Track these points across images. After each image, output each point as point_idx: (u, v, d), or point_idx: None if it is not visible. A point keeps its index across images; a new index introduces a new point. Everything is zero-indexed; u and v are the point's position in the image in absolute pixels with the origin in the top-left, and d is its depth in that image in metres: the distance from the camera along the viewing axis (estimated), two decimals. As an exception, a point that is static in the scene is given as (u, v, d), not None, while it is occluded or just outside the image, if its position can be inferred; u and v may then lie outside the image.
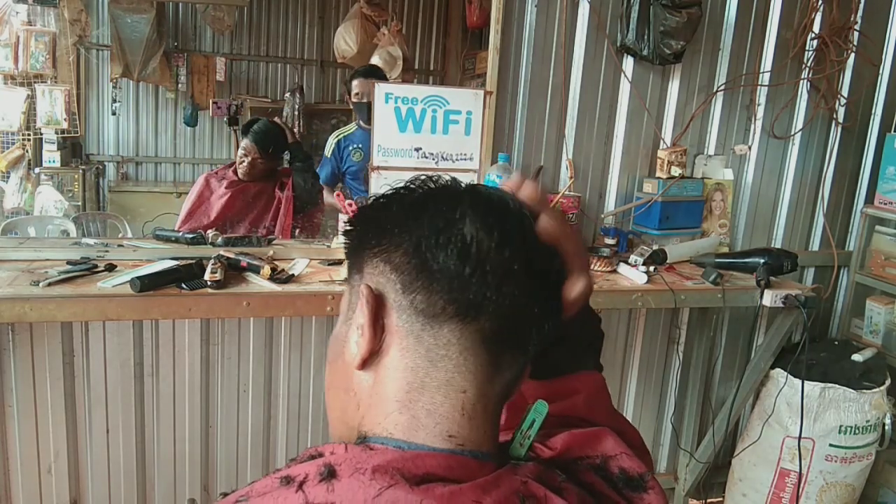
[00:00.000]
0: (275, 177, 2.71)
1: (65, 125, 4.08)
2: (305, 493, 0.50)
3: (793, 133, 2.57)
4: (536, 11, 2.19)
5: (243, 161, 2.63)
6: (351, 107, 3.27)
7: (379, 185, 2.09)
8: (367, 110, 2.72)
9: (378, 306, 0.56)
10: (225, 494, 0.60)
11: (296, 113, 5.35)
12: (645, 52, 2.25)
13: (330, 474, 0.50)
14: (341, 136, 3.02)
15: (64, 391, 1.72)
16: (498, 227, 0.55)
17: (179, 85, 5.35)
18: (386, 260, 0.56)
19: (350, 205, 1.98)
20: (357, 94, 2.92)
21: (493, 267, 0.53)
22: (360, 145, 2.94)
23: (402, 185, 0.60)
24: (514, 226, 0.56)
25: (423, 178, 0.60)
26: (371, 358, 0.56)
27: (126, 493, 1.83)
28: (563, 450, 0.60)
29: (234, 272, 1.70)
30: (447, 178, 0.60)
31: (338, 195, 2.19)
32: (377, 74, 3.01)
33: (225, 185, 2.63)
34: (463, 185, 0.60)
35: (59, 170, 4.30)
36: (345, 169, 2.99)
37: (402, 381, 0.55)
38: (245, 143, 2.64)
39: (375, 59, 4.38)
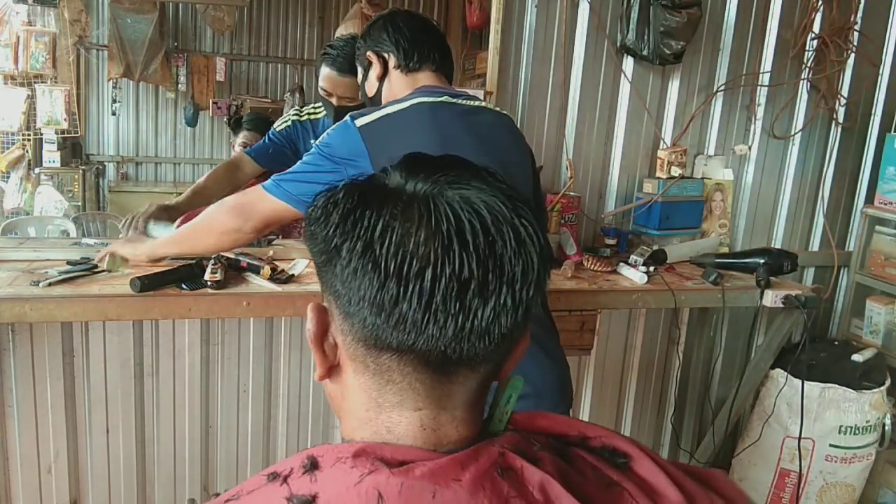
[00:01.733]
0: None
1: (65, 125, 4.08)
2: (290, 485, 0.51)
3: (793, 133, 2.57)
4: (536, 11, 2.19)
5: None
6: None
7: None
8: (341, 114, 1.71)
9: (324, 327, 0.56)
10: (217, 495, 0.61)
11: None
12: (645, 52, 2.25)
13: (313, 465, 0.51)
14: (302, 117, 2.22)
15: (64, 391, 1.72)
16: (433, 250, 0.48)
17: (179, 85, 5.35)
18: (329, 283, 0.53)
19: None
20: (332, 92, 2.00)
21: (417, 298, 0.48)
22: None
23: (342, 186, 0.54)
24: (463, 240, 0.49)
25: (367, 178, 0.55)
26: (332, 370, 0.57)
27: (126, 493, 1.83)
28: (541, 429, 0.60)
29: (234, 272, 1.71)
30: (398, 178, 0.53)
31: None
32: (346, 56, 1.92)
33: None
34: (418, 186, 0.52)
35: (59, 170, 4.30)
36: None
37: (360, 400, 0.55)
38: (243, 135, 2.64)
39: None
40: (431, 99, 1.39)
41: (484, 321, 0.50)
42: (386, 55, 1.48)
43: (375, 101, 1.51)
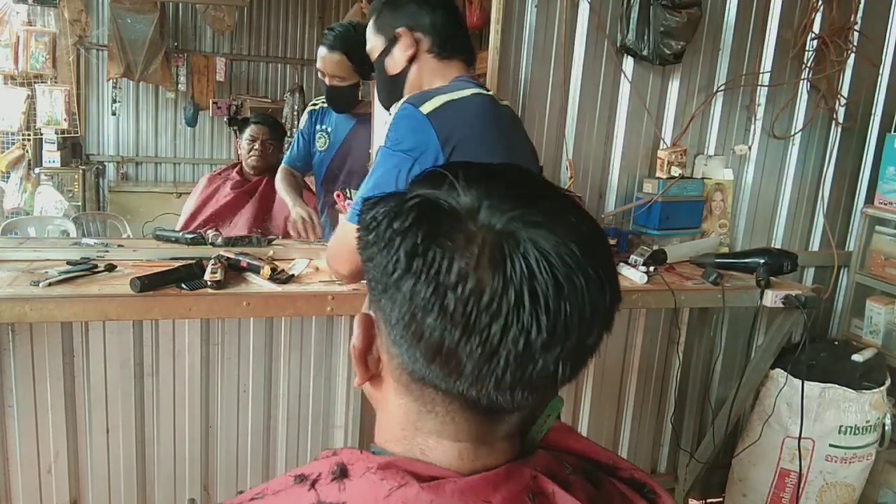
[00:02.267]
0: (275, 175, 2.71)
1: (65, 125, 4.09)
2: (318, 491, 0.50)
3: (793, 133, 2.57)
4: (536, 11, 2.19)
5: (253, 148, 2.63)
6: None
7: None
8: (343, 100, 2.22)
9: (370, 341, 0.54)
10: (240, 492, 0.60)
11: (295, 113, 5.35)
12: (645, 53, 2.25)
13: (342, 473, 0.50)
14: (315, 107, 2.42)
15: (64, 391, 1.72)
16: (506, 303, 0.45)
17: (179, 85, 5.36)
18: (381, 307, 0.50)
19: (350, 205, 1.97)
20: (325, 73, 2.16)
21: (482, 349, 0.46)
22: (327, 128, 2.36)
23: (405, 210, 0.49)
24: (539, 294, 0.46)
25: (429, 196, 0.50)
26: (373, 379, 0.55)
27: (126, 493, 1.83)
28: (573, 450, 0.59)
29: (234, 272, 1.71)
30: (468, 201, 0.48)
31: (338, 195, 2.19)
32: (353, 43, 2.04)
33: (228, 185, 2.63)
34: (492, 221, 0.47)
35: (59, 170, 4.31)
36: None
37: (396, 418, 0.53)
38: (250, 129, 2.64)
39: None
40: (487, 93, 1.33)
41: (542, 376, 0.47)
42: (420, 36, 1.37)
43: (396, 82, 1.40)
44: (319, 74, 2.20)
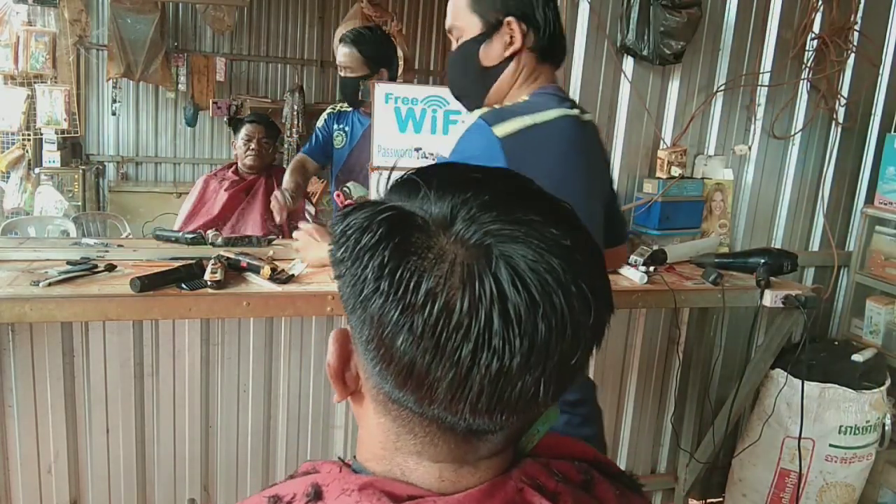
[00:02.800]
0: (273, 175, 2.71)
1: (65, 125, 4.08)
2: None
3: (793, 133, 2.57)
4: (536, 11, 2.19)
5: (249, 147, 2.63)
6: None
7: (378, 186, 2.08)
8: (351, 89, 2.43)
9: (346, 357, 0.52)
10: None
11: (295, 113, 5.35)
12: (645, 53, 2.25)
13: (317, 495, 0.49)
14: (335, 110, 2.62)
15: (64, 391, 1.72)
16: (476, 324, 0.43)
17: (179, 85, 5.36)
18: (354, 324, 0.48)
19: (350, 205, 1.97)
20: (340, 65, 2.44)
21: (451, 377, 0.44)
22: (345, 127, 2.54)
23: (374, 224, 0.46)
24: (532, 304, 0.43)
25: (398, 208, 0.47)
26: (353, 395, 0.54)
27: (126, 493, 1.83)
28: (561, 452, 0.58)
29: (234, 272, 1.70)
30: (439, 211, 0.46)
31: (337, 194, 2.19)
32: (366, 41, 2.42)
33: (225, 185, 2.63)
34: (465, 235, 0.45)
35: (59, 170, 4.30)
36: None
37: (376, 437, 0.52)
38: (246, 129, 2.65)
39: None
40: (573, 113, 1.21)
41: (522, 398, 0.45)
42: (527, 29, 1.20)
43: (485, 76, 1.22)
44: (340, 71, 2.48)
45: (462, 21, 1.22)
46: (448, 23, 1.24)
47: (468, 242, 0.45)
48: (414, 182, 0.49)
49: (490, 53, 1.21)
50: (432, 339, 0.43)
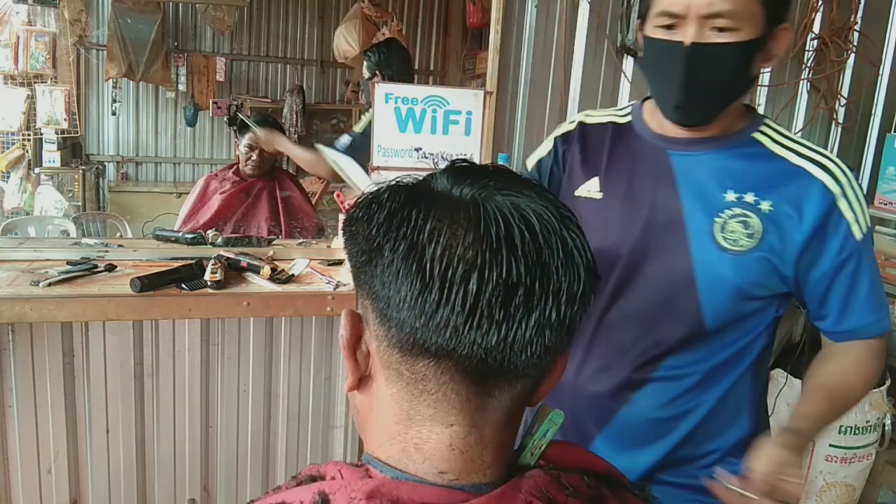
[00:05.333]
0: (274, 176, 2.71)
1: (65, 125, 4.09)
2: None
3: (793, 133, 2.57)
4: (536, 11, 2.19)
5: (250, 157, 2.63)
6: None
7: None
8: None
9: (358, 334, 0.54)
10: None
11: (295, 113, 5.35)
12: (645, 53, 2.25)
13: (324, 503, 0.49)
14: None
15: (64, 391, 1.72)
16: (480, 253, 0.47)
17: (179, 85, 5.36)
18: (367, 285, 0.51)
19: (350, 205, 1.98)
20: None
21: (461, 302, 0.47)
22: None
23: (386, 188, 0.53)
24: (510, 249, 0.48)
25: (410, 180, 0.54)
26: (362, 381, 0.55)
27: (126, 493, 1.83)
28: (572, 464, 0.57)
29: (234, 272, 1.71)
30: (445, 182, 0.52)
31: (337, 194, 2.19)
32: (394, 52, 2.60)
33: (226, 186, 2.63)
34: (465, 191, 0.51)
35: (59, 170, 4.31)
36: None
37: (390, 412, 0.53)
38: (249, 136, 2.64)
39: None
40: None
41: (528, 331, 0.48)
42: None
43: (745, 85, 1.02)
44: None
45: (743, 9, 0.93)
46: (718, 7, 0.92)
47: (470, 193, 0.50)
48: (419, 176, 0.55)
49: (761, 62, 1.00)
50: (441, 270, 0.47)
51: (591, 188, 1.11)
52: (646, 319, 1.05)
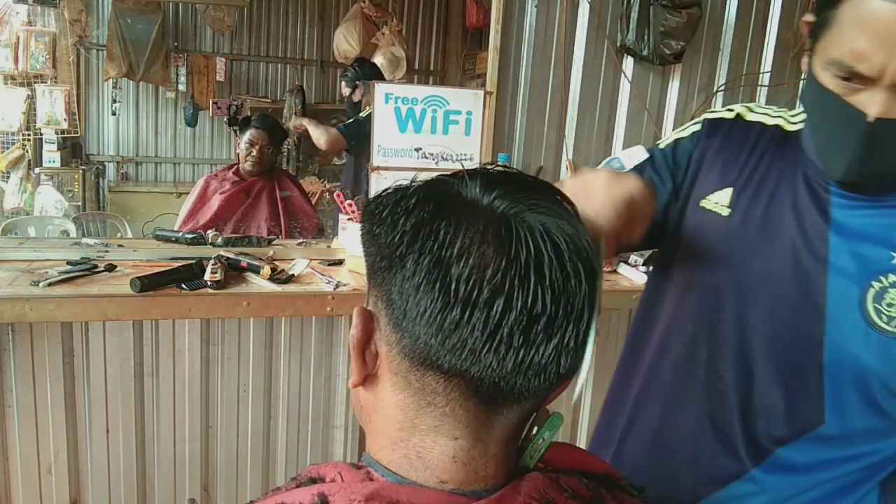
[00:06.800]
0: (274, 176, 2.71)
1: (65, 125, 4.09)
2: None
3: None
4: (536, 11, 2.19)
5: (250, 153, 2.63)
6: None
7: (378, 186, 2.08)
8: None
9: (369, 334, 0.53)
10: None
11: (295, 113, 5.35)
12: (645, 53, 2.25)
13: None
14: None
15: (64, 391, 1.72)
16: (509, 279, 0.46)
17: (179, 85, 5.36)
18: (384, 290, 0.50)
19: (350, 205, 1.98)
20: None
21: (482, 326, 0.46)
22: None
23: (414, 191, 0.51)
24: (539, 273, 0.46)
25: (439, 184, 0.51)
26: (368, 379, 0.54)
27: (126, 493, 1.83)
28: (571, 465, 0.57)
29: (234, 272, 1.71)
30: (476, 190, 0.50)
31: (337, 194, 2.19)
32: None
33: (226, 186, 2.63)
34: (496, 203, 0.49)
35: (59, 170, 4.30)
36: None
37: (393, 418, 0.52)
38: (250, 133, 2.64)
39: (378, 60, 4.38)
40: None
41: (544, 358, 0.48)
42: None
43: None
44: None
45: None
46: None
47: (500, 206, 0.49)
48: (447, 177, 0.53)
49: None
50: (467, 290, 0.46)
51: (720, 200, 0.90)
52: (743, 395, 0.84)
